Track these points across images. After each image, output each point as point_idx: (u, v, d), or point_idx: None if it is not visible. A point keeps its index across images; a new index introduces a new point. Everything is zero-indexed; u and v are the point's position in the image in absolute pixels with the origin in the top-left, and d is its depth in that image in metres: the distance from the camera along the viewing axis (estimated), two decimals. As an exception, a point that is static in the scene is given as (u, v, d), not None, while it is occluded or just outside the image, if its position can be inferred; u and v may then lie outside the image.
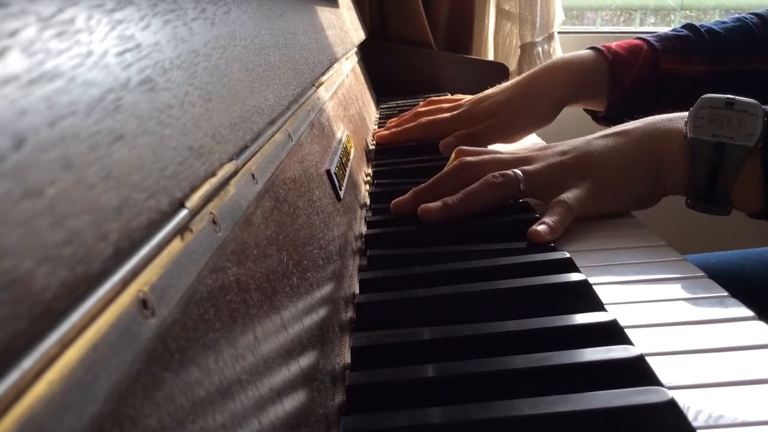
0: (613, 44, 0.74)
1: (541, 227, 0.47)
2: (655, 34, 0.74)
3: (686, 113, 0.52)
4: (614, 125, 0.76)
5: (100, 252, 0.14)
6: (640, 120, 0.55)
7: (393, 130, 0.81)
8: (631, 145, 0.52)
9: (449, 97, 0.87)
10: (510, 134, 0.76)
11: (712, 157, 0.49)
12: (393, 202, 0.53)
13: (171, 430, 0.15)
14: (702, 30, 0.72)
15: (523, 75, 0.77)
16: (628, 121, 0.54)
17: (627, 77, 0.72)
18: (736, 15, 0.73)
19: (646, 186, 0.52)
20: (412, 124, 0.80)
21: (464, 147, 0.58)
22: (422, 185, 0.53)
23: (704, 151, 0.49)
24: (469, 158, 0.54)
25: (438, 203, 0.51)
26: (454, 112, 0.78)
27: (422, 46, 1.31)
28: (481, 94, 0.78)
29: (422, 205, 0.51)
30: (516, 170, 0.51)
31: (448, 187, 0.52)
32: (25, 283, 0.12)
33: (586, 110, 0.81)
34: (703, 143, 0.49)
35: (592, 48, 0.75)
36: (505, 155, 0.55)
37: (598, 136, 0.54)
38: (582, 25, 1.89)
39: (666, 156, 0.51)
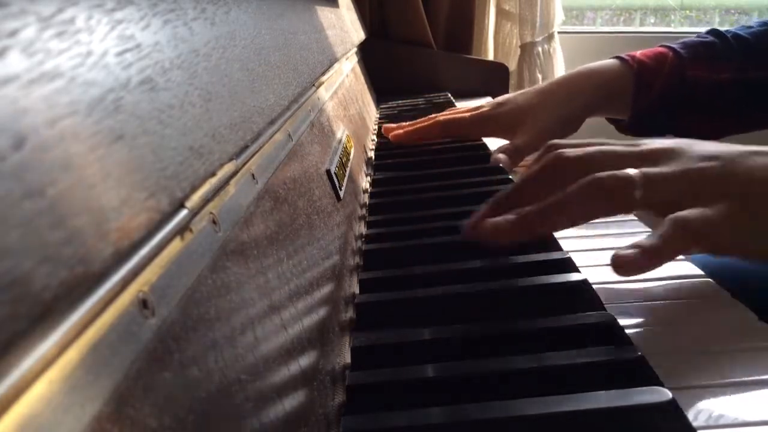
0: (638, 53, 0.72)
1: (630, 251, 0.34)
2: (679, 42, 0.72)
3: None
4: (638, 135, 0.76)
5: (100, 252, 0.14)
6: None
7: (408, 128, 0.77)
8: None
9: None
10: (536, 140, 0.71)
11: None
12: (468, 222, 0.40)
13: (171, 430, 0.15)
14: (728, 36, 0.71)
15: (548, 82, 0.75)
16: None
17: (653, 86, 0.70)
18: (763, 19, 0.72)
19: None
20: (429, 123, 0.76)
21: (556, 141, 0.44)
22: (500, 193, 0.41)
23: None
24: (566, 151, 0.40)
25: (509, 216, 0.38)
26: (475, 113, 0.75)
27: (422, 46, 1.31)
28: (501, 98, 0.76)
29: (487, 220, 0.38)
30: (633, 171, 0.37)
31: (535, 194, 0.39)
32: (25, 283, 0.12)
33: (608, 120, 0.79)
34: None
35: (617, 57, 0.73)
36: (619, 146, 0.40)
37: (760, 150, 0.38)
38: (582, 25, 1.89)
39: None
